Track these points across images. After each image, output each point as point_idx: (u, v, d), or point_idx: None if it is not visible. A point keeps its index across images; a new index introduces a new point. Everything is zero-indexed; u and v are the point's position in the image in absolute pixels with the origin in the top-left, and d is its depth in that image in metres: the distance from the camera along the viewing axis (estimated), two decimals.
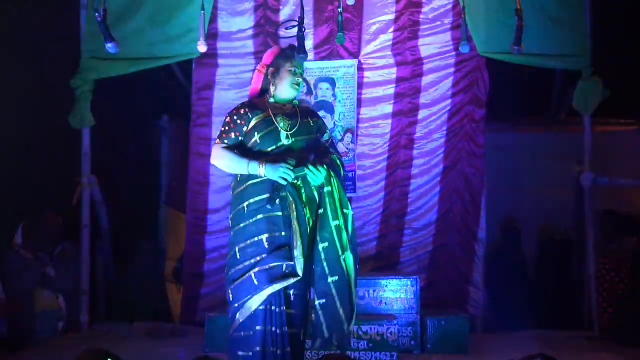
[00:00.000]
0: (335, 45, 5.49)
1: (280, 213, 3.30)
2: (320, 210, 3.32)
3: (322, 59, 5.60)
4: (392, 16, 5.54)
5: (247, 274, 3.26)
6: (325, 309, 3.29)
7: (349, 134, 5.53)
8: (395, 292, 4.68)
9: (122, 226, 6.14)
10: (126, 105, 6.11)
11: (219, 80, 5.61)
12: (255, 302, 3.24)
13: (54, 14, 5.55)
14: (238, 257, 3.32)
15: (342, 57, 5.58)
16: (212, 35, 5.43)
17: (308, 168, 3.27)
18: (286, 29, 5.30)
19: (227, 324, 3.42)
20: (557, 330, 5.29)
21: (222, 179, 5.34)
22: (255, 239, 3.29)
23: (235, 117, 3.45)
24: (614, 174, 5.55)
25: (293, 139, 3.39)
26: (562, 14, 5.15)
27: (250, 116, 3.43)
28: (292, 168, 3.27)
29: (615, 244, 5.19)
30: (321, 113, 5.42)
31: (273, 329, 3.23)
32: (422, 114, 5.55)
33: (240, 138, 3.45)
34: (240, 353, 3.27)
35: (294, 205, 3.29)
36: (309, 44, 5.43)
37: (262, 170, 3.29)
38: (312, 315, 3.36)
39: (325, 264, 3.28)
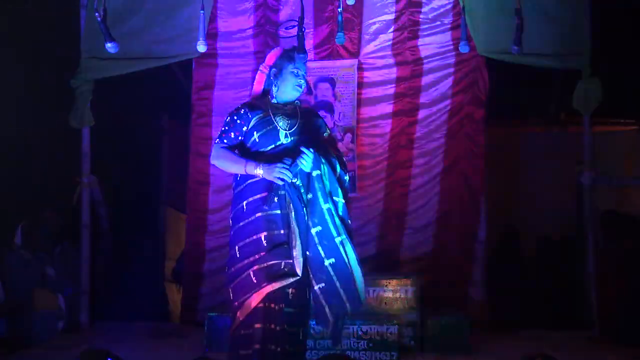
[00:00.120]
0: (335, 45, 5.49)
1: (278, 212, 3.30)
2: (310, 195, 3.31)
3: (322, 59, 5.60)
4: (392, 16, 5.55)
5: (246, 273, 3.26)
6: (326, 292, 3.27)
7: (349, 134, 5.53)
8: (395, 292, 4.68)
9: (122, 226, 6.14)
10: (126, 105, 6.11)
11: (219, 80, 5.62)
12: (254, 300, 3.24)
13: (54, 14, 5.55)
14: (238, 256, 3.33)
15: (342, 57, 5.59)
16: (212, 35, 5.43)
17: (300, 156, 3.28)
18: (286, 29, 5.33)
19: (228, 324, 3.42)
20: (557, 330, 5.30)
21: (222, 179, 5.34)
22: (254, 237, 3.29)
23: (235, 117, 3.46)
24: (614, 174, 5.54)
25: (292, 139, 3.40)
26: (562, 14, 5.15)
27: (250, 116, 3.44)
28: (288, 167, 3.27)
29: (615, 244, 5.18)
30: (321, 113, 5.41)
31: (272, 326, 3.23)
32: (422, 114, 5.55)
33: (240, 138, 3.46)
34: (241, 352, 3.26)
35: (291, 205, 3.29)
36: (309, 44, 5.43)
37: (259, 171, 3.31)
38: (314, 303, 3.34)
39: (320, 247, 3.26)
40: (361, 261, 3.37)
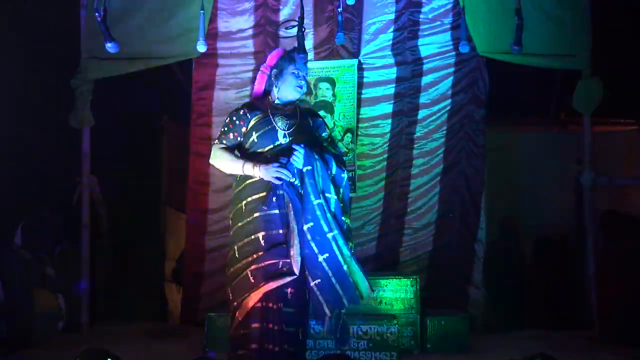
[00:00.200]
0: (335, 45, 5.49)
1: (277, 211, 3.31)
2: (301, 191, 3.32)
3: (322, 59, 5.60)
4: (392, 16, 5.55)
5: (244, 273, 3.28)
6: (323, 288, 3.27)
7: (349, 134, 5.53)
8: (395, 292, 4.68)
9: (122, 226, 6.14)
10: (126, 105, 6.11)
11: (219, 80, 5.62)
12: (252, 300, 3.25)
13: (54, 14, 5.55)
14: (237, 255, 3.34)
15: (342, 57, 5.59)
16: (212, 35, 5.43)
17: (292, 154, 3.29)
18: (286, 29, 5.33)
19: (228, 324, 3.43)
20: (557, 330, 5.30)
21: (222, 179, 5.34)
22: (252, 237, 3.30)
23: (234, 118, 3.48)
24: (614, 174, 5.54)
25: (291, 139, 3.40)
26: (562, 14, 5.15)
27: (249, 117, 3.45)
28: (285, 166, 3.28)
29: (615, 244, 5.18)
30: (321, 113, 5.41)
31: (270, 326, 3.24)
32: (422, 114, 5.55)
33: (239, 139, 3.47)
34: (239, 352, 3.28)
35: (290, 204, 3.30)
36: (309, 44, 5.43)
37: (256, 171, 3.32)
38: (312, 300, 3.33)
39: (313, 244, 3.27)
40: (361, 261, 3.37)
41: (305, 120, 3.50)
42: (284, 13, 5.59)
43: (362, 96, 5.59)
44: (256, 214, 3.32)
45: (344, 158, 3.72)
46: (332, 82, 5.58)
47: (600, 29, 5.20)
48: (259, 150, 3.41)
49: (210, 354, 4.43)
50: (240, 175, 3.42)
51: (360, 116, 5.57)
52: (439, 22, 5.51)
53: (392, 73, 5.58)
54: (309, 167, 3.30)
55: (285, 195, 3.30)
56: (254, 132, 3.42)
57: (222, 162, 3.46)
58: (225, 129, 3.49)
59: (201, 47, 4.11)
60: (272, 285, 3.24)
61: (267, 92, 3.58)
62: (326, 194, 3.31)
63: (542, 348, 4.05)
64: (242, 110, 3.49)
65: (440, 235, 5.50)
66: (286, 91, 3.51)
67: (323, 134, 3.54)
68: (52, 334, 4.95)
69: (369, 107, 5.60)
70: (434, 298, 5.28)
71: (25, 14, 5.55)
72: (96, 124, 5.33)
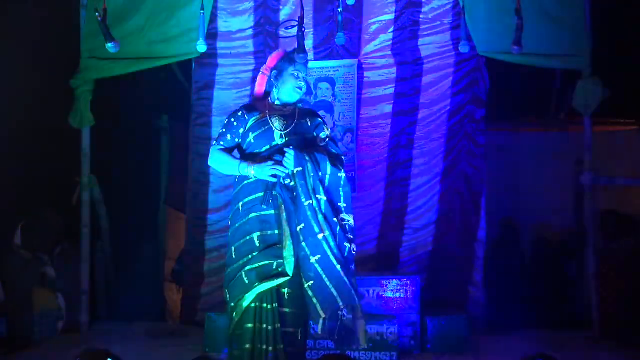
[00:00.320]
0: (335, 45, 5.49)
1: (272, 212, 3.32)
2: (294, 193, 3.33)
3: (322, 59, 5.60)
4: (392, 16, 5.55)
5: (240, 273, 3.29)
6: (316, 289, 3.26)
7: (349, 134, 5.53)
8: (395, 292, 4.68)
9: (122, 226, 6.14)
10: (126, 105, 6.11)
11: (219, 80, 5.62)
12: (246, 300, 3.26)
13: (54, 14, 5.55)
14: (234, 256, 3.36)
15: (342, 57, 5.58)
16: (212, 35, 5.43)
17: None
18: (286, 29, 5.32)
19: (227, 324, 3.44)
20: (557, 330, 5.30)
21: (222, 179, 5.34)
22: (248, 238, 3.32)
23: (232, 120, 3.51)
24: (614, 174, 5.54)
25: (287, 139, 3.41)
26: (562, 14, 5.15)
27: (247, 118, 3.47)
28: (279, 164, 3.29)
29: (615, 244, 5.19)
30: (321, 113, 5.42)
31: (264, 326, 3.25)
32: (422, 114, 5.55)
33: (237, 140, 3.49)
34: (235, 352, 3.32)
35: (283, 206, 3.31)
36: (309, 44, 5.43)
37: (251, 171, 3.33)
38: (307, 302, 3.33)
39: (305, 245, 3.27)
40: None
41: (303, 121, 3.50)
42: (284, 13, 5.59)
43: (362, 96, 5.59)
44: (252, 215, 3.33)
45: (344, 158, 3.70)
46: (332, 82, 5.58)
47: (600, 29, 5.20)
48: (256, 151, 3.43)
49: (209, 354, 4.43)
50: (239, 177, 3.44)
51: (360, 116, 5.57)
52: (439, 22, 5.51)
53: (392, 73, 5.58)
54: (300, 169, 3.31)
55: (279, 196, 3.32)
56: (250, 133, 3.44)
57: (219, 163, 3.49)
58: (223, 130, 3.52)
59: (201, 47, 4.11)
60: (266, 286, 3.25)
61: (267, 93, 3.59)
62: (317, 195, 3.31)
63: (542, 348, 4.05)
64: (240, 112, 3.52)
65: (440, 235, 5.50)
66: (285, 92, 3.51)
67: (321, 134, 3.52)
68: (52, 334, 4.96)
69: (369, 107, 5.60)
70: (433, 298, 5.29)
71: (25, 14, 5.55)
72: (96, 124, 5.33)
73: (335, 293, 3.26)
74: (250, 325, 3.26)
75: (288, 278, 3.27)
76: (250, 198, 3.36)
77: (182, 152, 5.92)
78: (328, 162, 3.37)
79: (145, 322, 5.45)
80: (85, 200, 5.35)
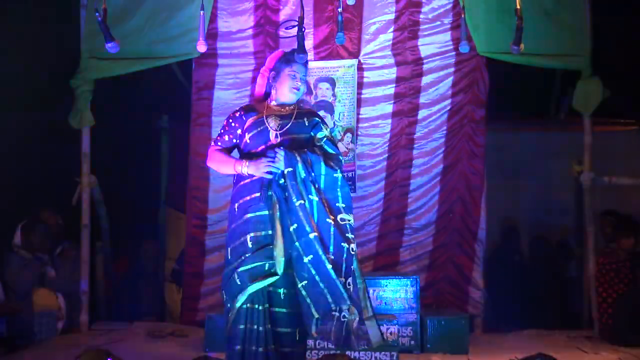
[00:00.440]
0: (335, 45, 5.49)
1: (267, 212, 3.32)
2: (286, 194, 3.33)
3: (322, 59, 5.59)
4: (392, 16, 5.54)
5: (233, 275, 3.30)
6: (309, 289, 3.27)
7: (349, 134, 5.53)
8: (395, 292, 4.67)
9: (122, 226, 6.15)
10: (126, 105, 6.12)
11: (219, 80, 5.61)
12: (239, 301, 3.27)
13: (54, 14, 5.56)
14: (229, 257, 3.37)
15: (342, 57, 5.58)
16: (212, 35, 5.43)
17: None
18: (286, 29, 5.31)
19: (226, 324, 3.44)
20: (557, 330, 5.30)
21: (222, 179, 5.34)
22: (242, 238, 3.33)
23: (230, 120, 3.52)
24: (614, 174, 5.55)
25: (282, 138, 3.41)
26: (562, 14, 5.15)
27: (244, 118, 3.48)
28: (273, 160, 3.30)
29: (615, 244, 5.19)
30: (321, 113, 5.42)
31: (255, 327, 3.25)
32: (422, 114, 5.55)
33: (234, 140, 3.51)
34: (229, 353, 3.34)
35: (277, 205, 3.31)
36: (309, 44, 5.43)
37: (245, 168, 3.34)
38: (301, 302, 3.33)
39: (298, 244, 3.27)
40: (361, 261, 3.35)
41: (301, 121, 3.49)
42: (284, 13, 5.58)
43: (362, 96, 5.58)
44: (247, 216, 3.33)
45: (343, 158, 3.70)
46: (332, 82, 5.58)
47: (600, 29, 5.20)
48: (252, 151, 3.43)
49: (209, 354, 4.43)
50: (237, 178, 3.45)
51: (360, 116, 5.57)
52: (439, 22, 5.51)
53: (392, 73, 5.58)
54: (290, 169, 3.31)
55: (273, 196, 3.32)
56: (247, 133, 3.45)
57: (216, 163, 3.51)
58: (222, 130, 3.54)
59: (201, 47, 4.10)
60: (257, 286, 3.25)
61: (267, 94, 3.60)
62: (309, 196, 3.31)
63: (542, 348, 4.06)
64: (238, 112, 3.53)
65: (440, 235, 5.50)
66: (283, 93, 3.52)
67: (318, 134, 3.51)
68: (52, 334, 4.96)
69: (369, 107, 5.59)
70: (434, 298, 5.30)
71: (26, 14, 5.56)
72: (96, 124, 5.33)
73: (327, 292, 3.26)
74: (242, 327, 3.27)
75: (277, 277, 3.27)
76: (245, 199, 3.36)
77: (182, 152, 5.92)
78: (322, 163, 3.35)
79: (145, 322, 5.45)
80: (85, 200, 5.35)
